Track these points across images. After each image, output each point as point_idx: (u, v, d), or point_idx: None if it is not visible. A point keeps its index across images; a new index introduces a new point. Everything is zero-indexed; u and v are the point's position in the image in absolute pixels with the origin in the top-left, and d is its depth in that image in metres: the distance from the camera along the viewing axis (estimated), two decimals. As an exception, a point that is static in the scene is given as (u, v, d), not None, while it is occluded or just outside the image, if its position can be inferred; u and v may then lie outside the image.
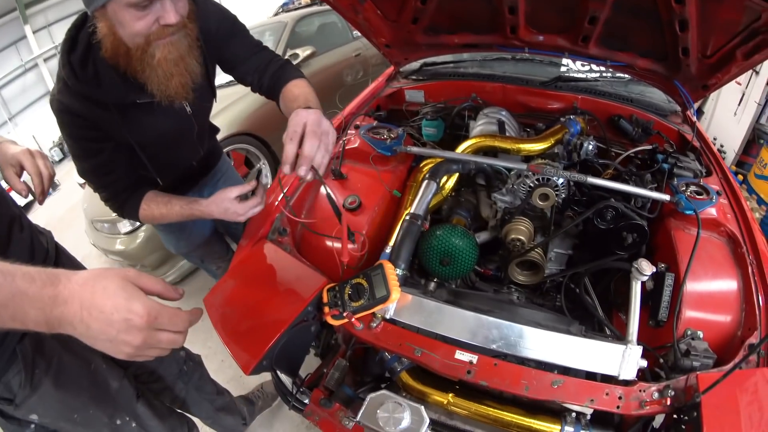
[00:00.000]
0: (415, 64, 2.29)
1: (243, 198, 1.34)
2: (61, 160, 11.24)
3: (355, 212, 1.53)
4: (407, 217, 1.44)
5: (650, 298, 1.33)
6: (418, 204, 1.49)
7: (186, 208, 1.35)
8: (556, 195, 1.57)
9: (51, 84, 15.02)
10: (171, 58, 1.10)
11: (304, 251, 1.53)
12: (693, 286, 1.28)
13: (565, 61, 2.32)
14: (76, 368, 1.16)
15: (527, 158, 1.72)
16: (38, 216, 5.21)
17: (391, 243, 1.46)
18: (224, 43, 1.39)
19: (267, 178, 3.48)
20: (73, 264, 1.37)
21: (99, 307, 0.60)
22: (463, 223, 1.72)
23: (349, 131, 1.82)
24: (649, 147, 1.87)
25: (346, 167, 1.69)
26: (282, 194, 1.48)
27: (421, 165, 1.73)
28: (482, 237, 1.72)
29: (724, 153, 4.30)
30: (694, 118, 1.98)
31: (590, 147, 1.74)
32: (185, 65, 1.15)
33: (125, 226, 2.88)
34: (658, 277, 1.32)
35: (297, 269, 1.38)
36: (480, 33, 2.00)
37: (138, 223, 2.86)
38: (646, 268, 1.20)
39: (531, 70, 2.26)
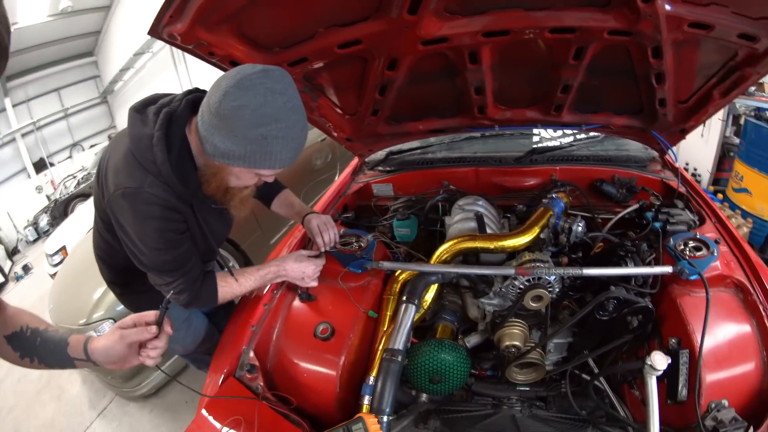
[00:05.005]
0: (381, 154, 2.20)
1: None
2: (35, 241, 10.92)
3: (329, 341, 1.38)
4: (386, 355, 1.28)
5: (666, 375, 1.23)
6: (397, 335, 1.34)
7: (262, 271, 1.48)
8: (550, 292, 1.44)
9: (27, 160, 15.06)
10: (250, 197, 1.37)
11: (278, 384, 1.39)
12: (709, 351, 1.21)
13: (536, 129, 2.26)
14: None
15: (512, 253, 1.59)
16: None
17: (373, 375, 1.32)
18: None
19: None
20: None
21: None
22: (449, 329, 1.60)
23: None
24: (636, 206, 1.81)
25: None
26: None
27: (396, 273, 1.59)
28: (473, 341, 1.59)
29: (699, 176, 4.38)
30: (677, 164, 1.93)
31: (579, 229, 1.64)
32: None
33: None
34: (671, 355, 1.22)
35: (270, 418, 1.23)
36: (446, 117, 1.93)
37: (103, 336, 2.66)
38: (660, 361, 1.13)
39: (502, 146, 2.19)
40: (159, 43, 11.88)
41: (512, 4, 1.37)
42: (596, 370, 1.48)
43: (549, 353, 1.58)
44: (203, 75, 10.36)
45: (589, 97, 1.76)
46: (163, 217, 1.21)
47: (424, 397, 1.47)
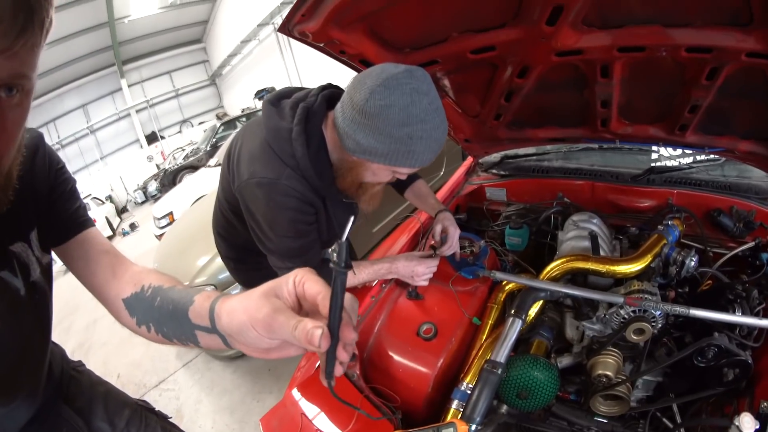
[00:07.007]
0: (496, 156, 2.18)
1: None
2: (142, 203, 12.10)
3: (431, 342, 1.41)
4: (487, 366, 1.28)
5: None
6: (501, 348, 1.33)
7: (376, 266, 1.53)
8: (653, 326, 1.35)
9: (140, 132, 16.97)
10: (381, 193, 1.40)
11: (372, 376, 1.44)
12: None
13: (655, 147, 2.13)
14: None
15: (619, 279, 1.53)
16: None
17: (467, 381, 1.33)
18: None
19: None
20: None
21: None
22: (544, 345, 1.55)
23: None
24: (752, 243, 1.65)
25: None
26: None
27: (503, 283, 1.58)
28: (564, 362, 1.54)
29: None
30: None
31: (692, 264, 1.53)
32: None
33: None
34: (760, 420, 1.09)
35: (363, 405, 1.27)
36: (567, 126, 1.86)
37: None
38: (748, 425, 1.03)
39: (619, 161, 2.07)
40: (265, 31, 12.52)
41: (650, 20, 1.29)
42: (678, 418, 1.36)
43: (635, 389, 1.48)
44: (309, 62, 10.81)
45: (716, 119, 1.62)
46: (297, 208, 1.25)
47: (504, 408, 1.44)
